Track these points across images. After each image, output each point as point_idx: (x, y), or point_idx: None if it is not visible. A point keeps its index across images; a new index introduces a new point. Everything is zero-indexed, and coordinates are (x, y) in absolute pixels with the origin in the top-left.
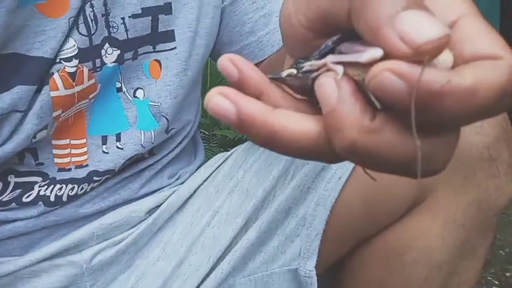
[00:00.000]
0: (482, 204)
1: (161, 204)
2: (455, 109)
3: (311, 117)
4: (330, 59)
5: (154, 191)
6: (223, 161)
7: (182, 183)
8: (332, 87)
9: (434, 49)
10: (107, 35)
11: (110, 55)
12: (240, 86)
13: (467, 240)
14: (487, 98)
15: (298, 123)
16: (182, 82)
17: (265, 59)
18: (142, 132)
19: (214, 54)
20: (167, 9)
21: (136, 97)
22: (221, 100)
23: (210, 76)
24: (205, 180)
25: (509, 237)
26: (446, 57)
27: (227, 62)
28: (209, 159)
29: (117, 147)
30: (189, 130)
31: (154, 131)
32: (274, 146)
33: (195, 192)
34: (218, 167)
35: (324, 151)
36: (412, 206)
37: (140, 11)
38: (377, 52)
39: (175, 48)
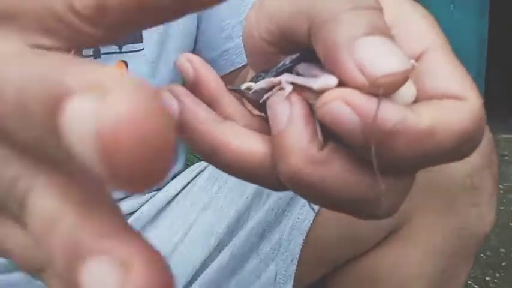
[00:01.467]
0: (463, 232)
1: (135, 211)
2: (409, 151)
3: (260, 136)
4: (284, 78)
5: (129, 196)
6: (201, 171)
7: (159, 189)
8: (284, 107)
9: (394, 83)
10: None
11: None
12: (195, 87)
13: (447, 268)
14: (445, 142)
15: (244, 140)
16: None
17: (241, 67)
18: None
19: None
20: None
21: None
22: (166, 95)
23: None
24: (181, 191)
25: (490, 241)
26: (408, 91)
27: (184, 61)
28: (190, 160)
29: None
30: None
31: None
32: (215, 162)
33: (169, 203)
34: (195, 177)
35: (269, 176)
36: (391, 232)
37: None
38: (331, 80)
39: (142, 49)
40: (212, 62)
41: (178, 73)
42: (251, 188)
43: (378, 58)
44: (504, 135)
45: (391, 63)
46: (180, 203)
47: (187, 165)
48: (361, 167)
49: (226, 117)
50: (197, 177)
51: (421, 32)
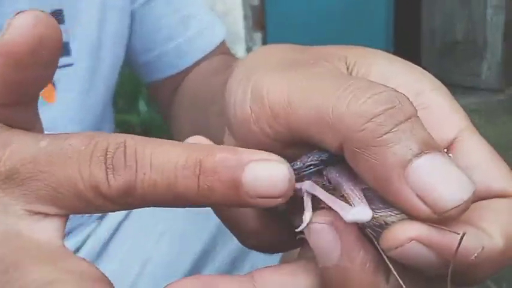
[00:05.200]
0: None
1: (79, 248)
2: (487, 271)
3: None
4: (308, 188)
5: (69, 232)
6: None
7: (98, 218)
8: (330, 237)
9: (462, 211)
10: None
11: None
12: None
13: None
14: None
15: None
16: (86, 105)
17: (186, 69)
18: None
19: (128, 62)
20: (57, 17)
21: None
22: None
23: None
24: (127, 216)
25: None
26: None
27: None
28: None
29: None
30: None
31: None
32: None
33: (115, 232)
34: None
35: None
36: None
37: None
38: (365, 215)
39: (72, 64)
40: (149, 65)
41: (111, 85)
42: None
43: (441, 185)
44: None
45: (457, 192)
46: (129, 232)
47: None
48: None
49: (227, 214)
50: None
51: (449, 114)
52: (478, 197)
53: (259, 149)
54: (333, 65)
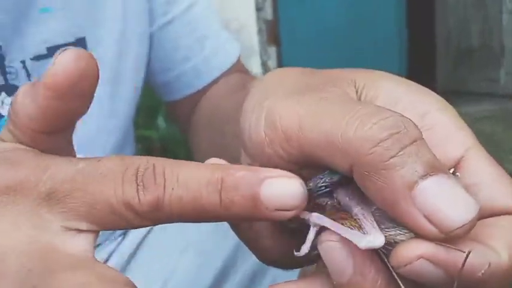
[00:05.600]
0: None
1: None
2: (494, 287)
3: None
4: (316, 220)
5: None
6: None
7: (121, 235)
8: (343, 255)
9: (468, 230)
10: (3, 83)
11: (8, 106)
12: None
13: None
14: None
15: None
16: (109, 127)
17: (204, 88)
18: None
19: (148, 83)
20: (80, 45)
21: None
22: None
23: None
24: (150, 231)
25: None
26: None
27: None
28: None
29: None
30: None
31: None
32: None
33: (139, 247)
34: None
35: None
36: None
37: (46, 51)
38: (378, 241)
39: None
40: (168, 85)
41: (132, 108)
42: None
43: (446, 206)
44: None
45: (462, 212)
46: (152, 246)
47: None
48: None
49: (244, 229)
50: None
51: (454, 133)
52: (485, 214)
53: (268, 165)
54: (342, 90)
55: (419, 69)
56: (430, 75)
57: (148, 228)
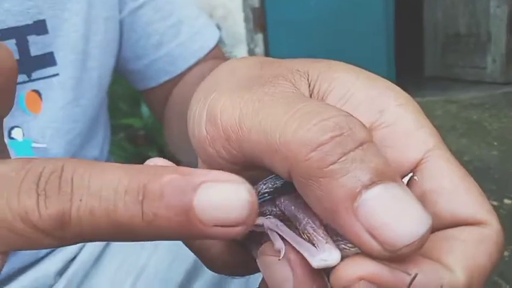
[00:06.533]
0: None
1: (72, 259)
2: None
3: None
4: (267, 224)
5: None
6: None
7: None
8: (284, 270)
9: (416, 249)
10: None
11: None
12: None
13: None
14: (481, 284)
15: None
16: (73, 115)
17: (179, 75)
18: None
19: (120, 70)
20: (40, 28)
21: (12, 138)
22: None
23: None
24: None
25: None
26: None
27: None
28: (116, 155)
29: None
30: None
31: None
32: None
33: (110, 243)
34: None
35: None
36: None
37: None
38: (332, 259)
39: (57, 74)
40: (141, 72)
41: (101, 94)
42: None
43: (392, 220)
44: None
45: (410, 228)
46: (121, 243)
47: None
48: None
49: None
50: None
51: (415, 131)
52: (444, 224)
53: (213, 166)
54: (292, 83)
55: (407, 56)
56: (417, 62)
57: None
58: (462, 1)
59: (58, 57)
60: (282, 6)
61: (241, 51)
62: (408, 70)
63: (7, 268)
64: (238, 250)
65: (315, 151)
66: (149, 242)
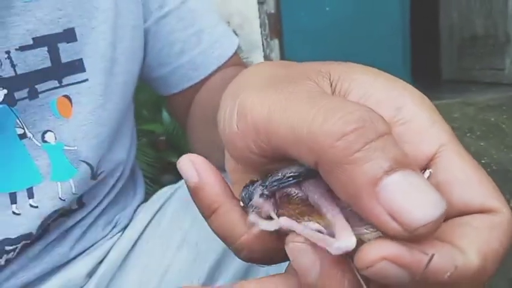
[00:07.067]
0: None
1: (101, 261)
2: (465, 287)
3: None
4: (284, 223)
5: (88, 248)
6: (166, 201)
7: (120, 231)
8: (309, 257)
9: (432, 229)
10: None
11: None
12: (197, 193)
13: None
14: (494, 269)
15: None
16: (101, 119)
17: (202, 81)
18: (59, 184)
19: (145, 78)
20: (69, 36)
21: (46, 142)
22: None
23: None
24: (147, 226)
25: None
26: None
27: (187, 163)
28: (139, 160)
29: (31, 206)
30: (123, 169)
31: (74, 179)
32: None
33: (136, 242)
34: (160, 208)
35: None
36: None
37: (31, 42)
38: (349, 243)
39: (87, 80)
40: (164, 79)
41: (127, 100)
42: None
43: (410, 204)
44: None
45: (426, 210)
46: (149, 242)
47: (146, 195)
48: None
49: (219, 224)
50: (163, 208)
51: (430, 128)
52: (458, 212)
53: (247, 164)
54: (315, 83)
55: (424, 59)
56: (434, 65)
57: (144, 224)
58: (478, 3)
59: (87, 63)
60: (297, 12)
61: (257, 56)
62: (425, 73)
63: (39, 268)
64: (264, 239)
65: (341, 140)
66: (173, 242)
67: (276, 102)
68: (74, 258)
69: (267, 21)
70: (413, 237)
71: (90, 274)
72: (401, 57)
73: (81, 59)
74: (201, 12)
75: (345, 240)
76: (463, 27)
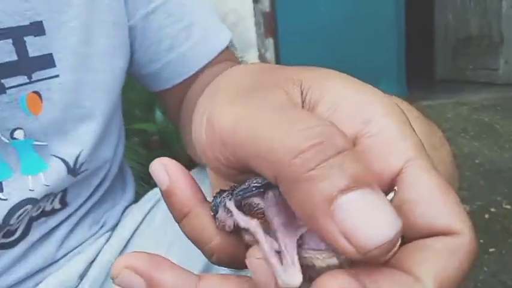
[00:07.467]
0: None
1: (92, 261)
2: None
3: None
4: (253, 228)
5: (75, 247)
6: (157, 201)
7: (108, 230)
8: (267, 274)
9: (386, 251)
10: None
11: None
12: (168, 197)
13: None
14: None
15: None
16: (73, 116)
17: (192, 76)
18: (29, 177)
19: (134, 75)
20: (37, 29)
21: (15, 139)
22: (129, 275)
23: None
24: (138, 226)
25: None
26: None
27: (159, 167)
28: (130, 160)
29: (0, 199)
30: (110, 168)
31: (45, 173)
32: None
33: (128, 242)
34: (152, 208)
35: None
36: None
37: None
38: (295, 281)
39: (57, 76)
40: (154, 76)
41: (109, 96)
42: None
43: (364, 224)
44: None
45: (380, 230)
46: (141, 241)
47: (137, 195)
48: None
49: (201, 229)
50: (155, 208)
51: (398, 141)
52: (421, 233)
53: (219, 173)
54: (285, 92)
55: (418, 59)
56: (429, 65)
57: (136, 224)
58: (473, 3)
59: (57, 58)
60: (292, 11)
61: (252, 55)
62: (419, 73)
63: (24, 270)
64: (234, 244)
65: (297, 158)
66: (165, 241)
67: (242, 114)
68: (62, 258)
69: (262, 20)
70: (367, 259)
71: (82, 276)
72: (396, 57)
73: (51, 54)
74: (191, 6)
75: (290, 277)
76: (457, 28)
